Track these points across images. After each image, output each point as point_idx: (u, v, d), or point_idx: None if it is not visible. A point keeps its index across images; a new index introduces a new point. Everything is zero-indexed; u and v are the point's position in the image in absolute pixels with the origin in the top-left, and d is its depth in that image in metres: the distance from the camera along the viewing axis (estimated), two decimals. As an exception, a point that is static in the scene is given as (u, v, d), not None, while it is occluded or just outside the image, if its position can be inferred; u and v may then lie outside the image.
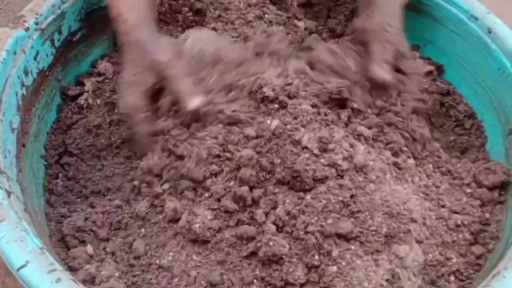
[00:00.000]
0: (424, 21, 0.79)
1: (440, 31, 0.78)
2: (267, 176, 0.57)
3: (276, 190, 0.56)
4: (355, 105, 0.64)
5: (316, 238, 0.53)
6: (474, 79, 0.75)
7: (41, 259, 0.47)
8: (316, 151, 0.56)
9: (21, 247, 0.47)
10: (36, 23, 0.67)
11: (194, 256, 0.55)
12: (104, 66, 0.76)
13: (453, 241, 0.59)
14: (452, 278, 0.57)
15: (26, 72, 0.65)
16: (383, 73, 0.66)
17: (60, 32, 0.72)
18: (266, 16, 0.76)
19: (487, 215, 0.61)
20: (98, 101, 0.73)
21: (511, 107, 0.68)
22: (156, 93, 0.64)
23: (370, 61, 0.66)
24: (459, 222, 0.60)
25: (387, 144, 0.63)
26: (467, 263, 0.58)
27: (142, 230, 0.59)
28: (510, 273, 0.50)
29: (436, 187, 0.63)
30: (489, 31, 0.72)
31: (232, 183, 0.56)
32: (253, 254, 0.54)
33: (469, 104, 0.75)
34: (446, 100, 0.75)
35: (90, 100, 0.74)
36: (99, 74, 0.76)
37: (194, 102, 0.60)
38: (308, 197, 0.55)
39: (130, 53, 0.64)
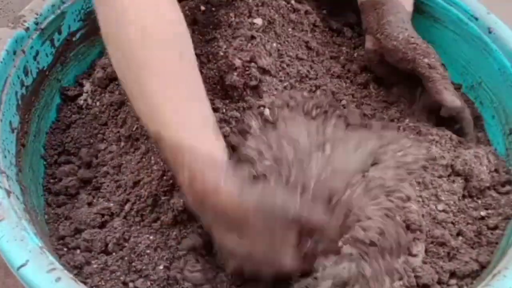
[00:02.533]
0: (424, 21, 0.79)
1: (440, 31, 0.78)
2: None
3: None
4: None
5: None
6: (474, 79, 0.75)
7: (41, 258, 0.47)
8: None
9: (21, 246, 0.47)
10: (36, 23, 0.67)
11: None
12: (102, 64, 0.76)
13: (453, 241, 0.59)
14: (452, 278, 0.57)
15: (26, 72, 0.65)
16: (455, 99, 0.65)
17: (60, 32, 0.72)
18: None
19: (488, 215, 0.61)
20: (97, 102, 0.73)
21: (511, 107, 0.69)
22: None
23: (433, 84, 0.65)
24: (462, 226, 0.60)
25: None
26: (468, 263, 0.58)
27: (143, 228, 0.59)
28: (510, 273, 0.50)
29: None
30: (489, 31, 0.72)
31: None
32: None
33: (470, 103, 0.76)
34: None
35: (89, 101, 0.74)
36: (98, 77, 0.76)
37: None
38: None
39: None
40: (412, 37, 0.67)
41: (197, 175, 0.49)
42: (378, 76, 0.75)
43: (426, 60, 0.66)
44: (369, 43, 0.72)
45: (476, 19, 0.73)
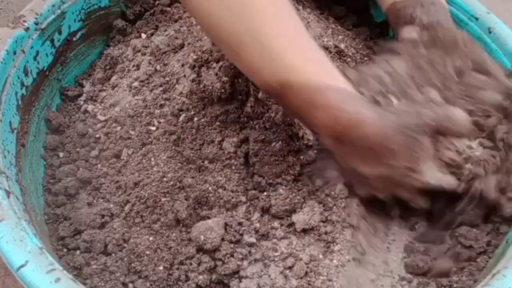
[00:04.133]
0: (424, 21, 0.79)
1: (440, 31, 0.78)
2: None
3: None
4: None
5: None
6: (474, 79, 0.75)
7: (41, 259, 0.46)
8: None
9: (20, 247, 0.47)
10: (36, 23, 0.67)
11: None
12: (102, 65, 0.76)
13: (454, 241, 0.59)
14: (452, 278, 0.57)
15: (26, 72, 0.65)
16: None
17: (60, 32, 0.72)
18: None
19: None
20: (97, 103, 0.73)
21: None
22: None
23: None
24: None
25: None
26: (467, 264, 0.58)
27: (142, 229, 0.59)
28: (510, 272, 0.49)
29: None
30: (489, 31, 0.72)
31: None
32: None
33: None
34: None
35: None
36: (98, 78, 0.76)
37: None
38: None
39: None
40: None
41: (341, 111, 0.51)
42: None
43: None
44: (411, 33, 0.69)
45: (476, 19, 0.73)
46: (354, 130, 0.51)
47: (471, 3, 0.74)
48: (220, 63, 0.63)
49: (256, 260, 0.56)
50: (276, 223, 0.59)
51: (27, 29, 0.66)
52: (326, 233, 0.57)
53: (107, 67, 0.76)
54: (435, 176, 0.53)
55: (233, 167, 0.61)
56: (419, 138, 0.52)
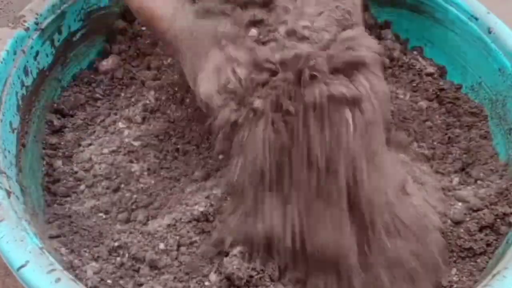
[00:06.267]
0: (424, 21, 0.79)
1: (440, 31, 0.78)
2: None
3: None
4: None
5: None
6: (474, 79, 0.75)
7: (41, 259, 0.47)
8: None
9: (20, 247, 0.47)
10: (36, 23, 0.67)
11: None
12: (108, 63, 0.76)
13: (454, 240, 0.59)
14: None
15: (26, 72, 0.65)
16: None
17: (60, 32, 0.72)
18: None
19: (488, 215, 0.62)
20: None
21: (511, 107, 0.69)
22: None
23: None
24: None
25: None
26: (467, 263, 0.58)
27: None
28: (510, 273, 0.50)
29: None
30: (489, 31, 0.72)
31: None
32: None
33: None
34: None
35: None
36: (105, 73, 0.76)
37: None
38: None
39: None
40: None
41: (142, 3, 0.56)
42: None
43: None
44: None
45: (476, 19, 0.73)
46: (152, 22, 0.56)
47: (471, 3, 0.74)
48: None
49: None
50: None
51: (27, 29, 0.66)
52: None
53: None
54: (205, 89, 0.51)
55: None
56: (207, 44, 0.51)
